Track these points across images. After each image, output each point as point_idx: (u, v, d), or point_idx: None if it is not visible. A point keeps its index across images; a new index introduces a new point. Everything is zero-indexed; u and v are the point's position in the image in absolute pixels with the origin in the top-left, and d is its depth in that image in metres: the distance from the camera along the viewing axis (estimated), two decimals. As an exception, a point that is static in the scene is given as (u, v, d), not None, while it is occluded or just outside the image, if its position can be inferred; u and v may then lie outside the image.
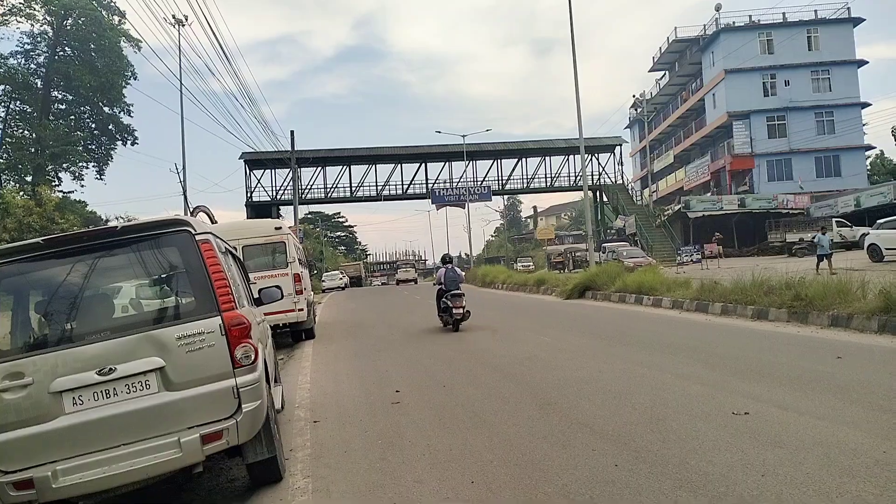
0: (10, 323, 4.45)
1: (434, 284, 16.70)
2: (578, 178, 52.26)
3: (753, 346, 9.06)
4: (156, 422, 4.23)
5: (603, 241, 45.17)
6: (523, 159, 55.57)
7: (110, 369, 4.20)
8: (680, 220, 48.02)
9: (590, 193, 42.78)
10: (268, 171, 51.96)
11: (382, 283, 71.29)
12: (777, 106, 48.53)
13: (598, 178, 54.73)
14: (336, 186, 54.06)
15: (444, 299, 14.46)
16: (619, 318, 14.33)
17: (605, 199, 55.60)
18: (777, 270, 13.56)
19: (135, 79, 47.69)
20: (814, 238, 23.50)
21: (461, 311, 13.94)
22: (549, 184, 55.86)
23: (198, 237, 4.63)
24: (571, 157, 54.03)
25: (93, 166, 48.64)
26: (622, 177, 56.41)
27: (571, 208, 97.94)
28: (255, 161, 49.90)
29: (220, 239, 5.42)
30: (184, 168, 32.71)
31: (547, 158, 55.42)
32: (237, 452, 4.71)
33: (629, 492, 4.11)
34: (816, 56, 48.64)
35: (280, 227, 14.57)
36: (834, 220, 38.53)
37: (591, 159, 52.63)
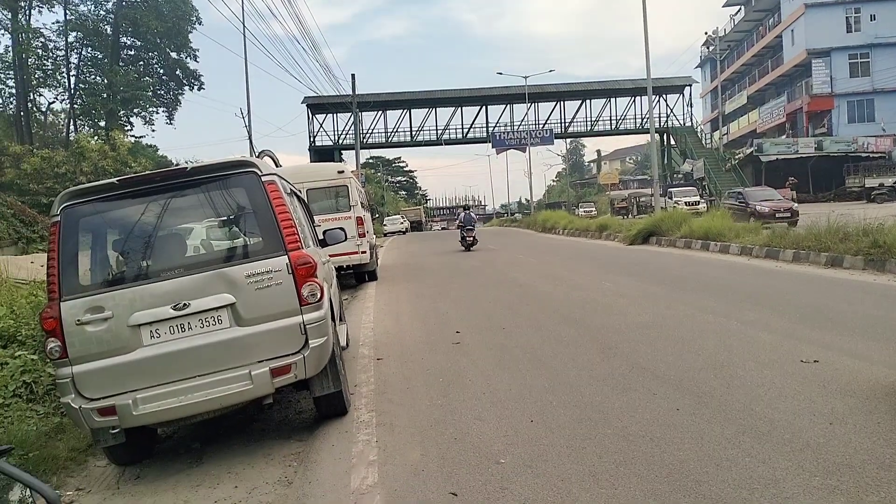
0: (89, 260, 4.69)
1: (457, 222, 27.30)
2: (645, 120, 50.58)
3: (825, 294, 8.74)
4: (228, 355, 4.43)
5: (669, 185, 43.87)
6: (587, 101, 53.97)
7: (185, 305, 4.39)
8: (751, 165, 46.04)
9: (657, 136, 41.53)
10: (330, 115, 52.22)
11: (442, 228, 71.56)
12: (861, 42, 45.30)
13: (666, 121, 52.77)
14: (397, 131, 54.02)
15: (462, 232, 23.65)
16: (684, 264, 14.02)
17: (672, 142, 53.66)
18: (854, 217, 12.94)
19: (199, 24, 48.22)
20: None
21: (471, 238, 22.91)
22: (613, 126, 54.23)
23: (264, 178, 4.72)
24: (638, 98, 52.14)
25: (162, 111, 49.92)
26: (691, 119, 54.21)
27: (637, 152, 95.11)
28: (317, 105, 50.17)
29: (286, 180, 5.51)
30: (249, 113, 33.22)
31: (612, 100, 53.65)
32: (305, 386, 4.90)
33: (690, 436, 4.08)
34: (908, -14, 44.96)
35: (343, 171, 14.69)
36: (919, 164, 36.33)
37: (658, 100, 50.66)
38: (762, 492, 3.29)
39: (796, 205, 23.15)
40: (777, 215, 20.55)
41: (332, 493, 3.89)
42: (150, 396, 4.29)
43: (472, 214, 24.51)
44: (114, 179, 4.71)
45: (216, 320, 4.47)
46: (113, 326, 4.34)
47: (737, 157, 48.08)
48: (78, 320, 4.31)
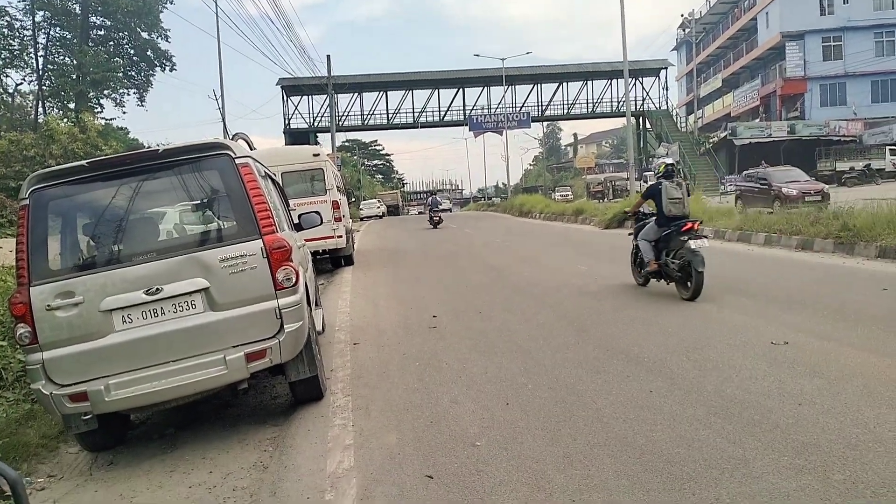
0: (59, 245, 4.61)
1: (426, 205, 33.67)
2: (621, 103, 50.73)
3: (796, 277, 8.89)
4: (202, 340, 4.38)
5: (644, 169, 44.19)
6: (564, 84, 54.02)
7: (157, 289, 4.33)
8: (725, 148, 46.51)
9: (632, 120, 41.71)
10: (305, 97, 51.63)
11: (420, 213, 71.38)
12: (834, 26, 45.77)
13: (642, 104, 53.05)
14: (373, 113, 53.61)
15: (429, 212, 29.88)
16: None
17: (648, 125, 54.02)
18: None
19: (170, 2, 47.27)
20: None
21: (437, 217, 28.64)
22: (590, 110, 54.42)
23: (238, 161, 4.66)
24: (614, 81, 52.29)
25: (133, 93, 48.97)
26: (667, 102, 54.57)
27: (613, 136, 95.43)
28: (292, 87, 49.52)
29: (260, 163, 5.45)
30: (222, 95, 32.71)
31: (589, 83, 53.76)
32: (280, 371, 4.87)
33: (663, 417, 4.15)
34: (880, -30, 45.46)
35: (318, 154, 14.53)
36: (888, 147, 36.93)
37: (634, 84, 50.87)
38: (732, 471, 3.36)
39: (826, 187, 20.58)
40: (807, 198, 18.05)
41: (308, 477, 3.88)
42: (122, 382, 4.24)
43: (439, 199, 33.49)
44: (84, 162, 4.62)
45: (190, 305, 4.42)
46: (84, 312, 4.27)
47: (711, 140, 48.51)
48: (48, 305, 4.24)
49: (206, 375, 4.33)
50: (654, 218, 8.36)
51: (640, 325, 6.66)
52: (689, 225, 7.81)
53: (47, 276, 4.33)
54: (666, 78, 53.89)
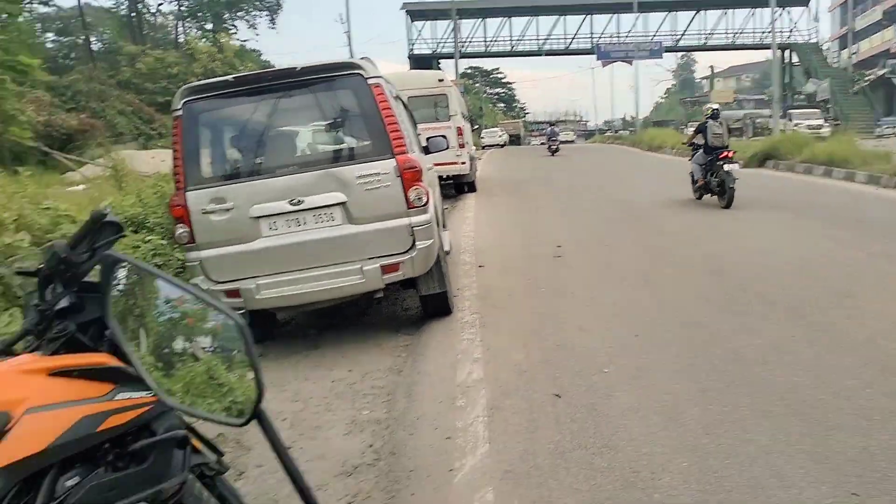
0: (209, 154, 4.91)
1: (546, 135, 35.09)
2: (765, 34, 46.75)
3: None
4: (341, 250, 4.61)
5: (789, 107, 40.90)
6: (702, 12, 50.32)
7: (299, 201, 4.56)
8: (883, 88, 42.02)
9: (778, 53, 38.45)
10: (428, 22, 51.24)
11: (542, 143, 70.11)
12: None
13: (789, 36, 48.60)
14: (496, 40, 52.46)
15: (548, 141, 32.42)
16: (805, 189, 13.18)
17: (794, 60, 49.61)
18: None
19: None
20: None
21: (556, 146, 31.39)
22: (730, 41, 50.60)
23: (370, 80, 4.71)
24: (758, 10, 48.12)
25: (266, 15, 50.46)
26: (816, 35, 49.77)
27: (754, 69, 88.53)
28: (417, 12, 49.29)
29: (391, 85, 5.49)
30: (348, 18, 33.07)
31: (729, 12, 49.80)
32: (412, 285, 5.06)
33: (806, 363, 3.94)
34: None
35: (443, 80, 14.43)
36: None
37: (781, 13, 46.54)
38: (883, 423, 3.16)
39: None
40: None
41: (439, 384, 4.04)
42: (270, 283, 4.56)
43: (557, 129, 35.85)
44: (229, 77, 4.83)
45: (329, 217, 4.63)
46: (235, 217, 4.57)
47: (867, 78, 43.96)
48: (203, 209, 4.56)
49: (345, 283, 4.58)
50: (703, 147, 10.73)
51: (783, 269, 6.27)
52: (725, 153, 10.17)
53: (201, 183, 4.64)
54: (817, 9, 49.23)
